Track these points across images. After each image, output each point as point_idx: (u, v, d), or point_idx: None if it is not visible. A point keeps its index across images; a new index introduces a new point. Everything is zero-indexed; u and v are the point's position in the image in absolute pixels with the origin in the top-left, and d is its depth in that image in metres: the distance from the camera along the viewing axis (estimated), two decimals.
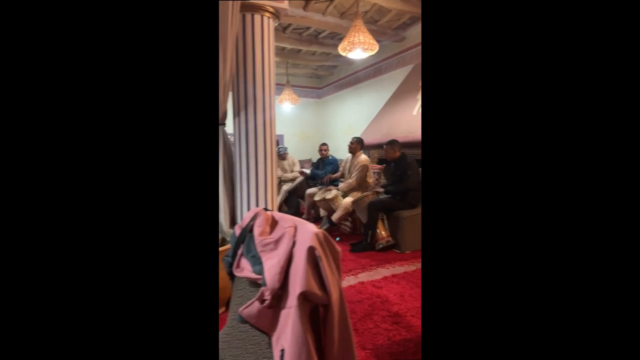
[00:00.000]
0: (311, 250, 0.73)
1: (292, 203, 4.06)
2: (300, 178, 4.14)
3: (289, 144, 5.89)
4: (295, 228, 0.84)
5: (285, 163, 4.26)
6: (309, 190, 3.80)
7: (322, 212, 3.70)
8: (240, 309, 0.79)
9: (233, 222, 2.04)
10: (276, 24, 2.12)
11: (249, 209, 2.00)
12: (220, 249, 1.87)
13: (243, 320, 0.79)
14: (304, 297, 0.70)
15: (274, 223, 0.95)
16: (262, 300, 0.76)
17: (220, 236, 1.97)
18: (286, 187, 4.09)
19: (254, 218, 1.01)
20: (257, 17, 1.95)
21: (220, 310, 1.89)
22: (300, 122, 6.66)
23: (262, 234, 0.90)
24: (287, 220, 0.91)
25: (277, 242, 0.84)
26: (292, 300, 0.73)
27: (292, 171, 4.27)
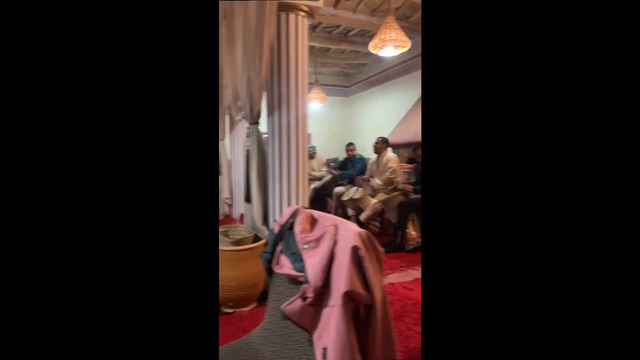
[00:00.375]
0: (355, 250, 0.72)
1: (320, 201, 4.07)
2: (328, 176, 4.14)
3: (315, 142, 5.91)
4: (336, 227, 0.84)
5: (314, 162, 4.28)
6: (337, 189, 3.79)
7: (350, 212, 3.68)
8: (283, 305, 0.80)
9: (265, 219, 2.07)
10: (310, 23, 2.13)
11: (280, 206, 2.02)
12: (254, 244, 1.91)
13: (285, 317, 0.80)
14: (348, 296, 0.70)
15: (313, 221, 0.95)
16: (304, 298, 0.77)
17: (253, 232, 2.01)
18: (314, 185, 4.10)
19: (293, 215, 1.02)
20: (292, 16, 1.96)
21: (252, 306, 1.93)
22: (327, 120, 6.65)
23: (302, 231, 0.90)
24: (327, 218, 0.91)
25: (318, 240, 0.84)
26: (335, 299, 0.73)
27: (320, 170, 4.28)
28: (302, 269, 0.83)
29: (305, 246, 0.86)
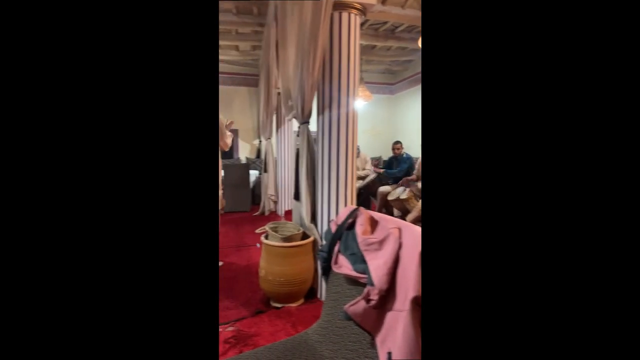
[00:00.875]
0: None
1: (363, 200, 4.03)
2: (373, 175, 4.09)
3: (358, 141, 5.84)
4: (400, 229, 0.82)
5: (358, 161, 4.25)
6: (382, 189, 3.73)
7: (396, 212, 3.60)
8: (346, 306, 0.80)
9: (314, 217, 2.10)
10: (362, 21, 2.11)
11: (329, 204, 2.03)
12: (304, 241, 1.94)
13: (348, 317, 0.80)
14: (416, 302, 0.68)
15: (373, 222, 0.94)
16: (367, 300, 0.76)
17: (301, 230, 2.04)
18: (357, 184, 4.08)
19: (351, 215, 1.01)
20: (345, 14, 1.95)
21: (299, 302, 1.96)
22: (371, 118, 6.55)
23: (364, 232, 0.89)
24: (389, 221, 0.89)
25: (381, 242, 0.83)
26: (401, 304, 0.71)
27: (364, 169, 4.24)
28: (364, 271, 0.82)
29: (367, 248, 0.85)
